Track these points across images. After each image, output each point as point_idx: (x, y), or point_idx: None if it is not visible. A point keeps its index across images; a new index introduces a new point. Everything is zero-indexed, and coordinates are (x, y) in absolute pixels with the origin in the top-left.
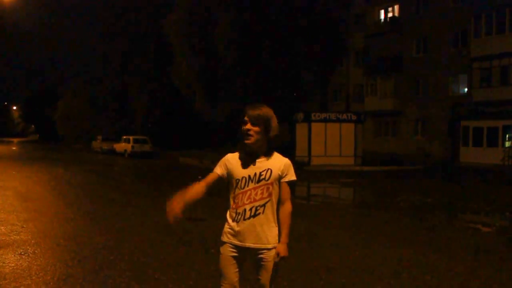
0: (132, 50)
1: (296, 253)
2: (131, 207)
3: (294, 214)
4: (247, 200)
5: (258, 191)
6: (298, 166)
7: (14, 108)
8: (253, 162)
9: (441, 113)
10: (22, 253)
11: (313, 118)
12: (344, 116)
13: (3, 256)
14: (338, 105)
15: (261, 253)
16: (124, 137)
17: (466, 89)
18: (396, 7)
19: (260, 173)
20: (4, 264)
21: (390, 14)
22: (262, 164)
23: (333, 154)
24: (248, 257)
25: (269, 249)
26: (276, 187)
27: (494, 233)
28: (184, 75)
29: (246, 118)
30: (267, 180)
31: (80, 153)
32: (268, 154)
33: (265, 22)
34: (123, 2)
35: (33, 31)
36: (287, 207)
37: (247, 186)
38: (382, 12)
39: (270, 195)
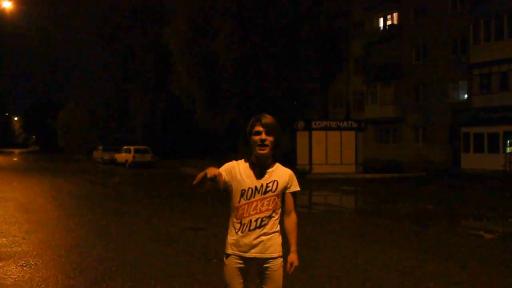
0: (132, 59)
1: (299, 261)
2: (132, 217)
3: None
4: (253, 211)
5: (264, 202)
6: (299, 175)
7: (16, 118)
8: (259, 173)
9: (441, 120)
10: (24, 264)
11: (313, 126)
12: (345, 124)
13: (5, 268)
14: (339, 113)
15: (267, 262)
16: (125, 147)
17: (466, 95)
18: (395, 15)
19: (267, 184)
20: (6, 276)
21: (389, 22)
22: (268, 175)
23: (334, 162)
24: (253, 267)
25: (275, 258)
26: (281, 197)
27: (497, 240)
28: (185, 84)
29: (260, 128)
30: (274, 191)
31: (81, 163)
32: (272, 165)
33: (265, 31)
34: (123, 12)
35: (34, 42)
36: (293, 217)
37: (254, 197)
38: (381, 19)
39: (275, 206)
